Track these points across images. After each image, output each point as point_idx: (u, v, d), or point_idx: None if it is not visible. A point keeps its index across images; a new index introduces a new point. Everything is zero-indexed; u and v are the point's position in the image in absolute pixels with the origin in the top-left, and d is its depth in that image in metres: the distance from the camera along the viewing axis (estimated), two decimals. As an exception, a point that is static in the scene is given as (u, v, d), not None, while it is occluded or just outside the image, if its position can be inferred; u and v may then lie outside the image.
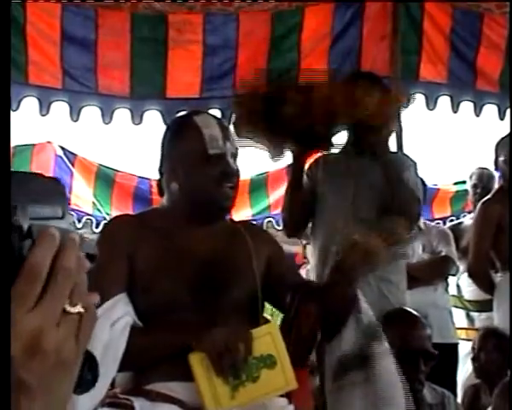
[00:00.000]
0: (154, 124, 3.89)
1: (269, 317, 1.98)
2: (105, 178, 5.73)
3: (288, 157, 2.68)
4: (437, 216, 6.74)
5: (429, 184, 6.72)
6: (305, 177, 2.93)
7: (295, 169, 2.78)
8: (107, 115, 3.83)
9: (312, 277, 2.89)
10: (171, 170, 1.92)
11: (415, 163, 2.92)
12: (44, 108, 3.73)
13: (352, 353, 1.87)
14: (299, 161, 2.70)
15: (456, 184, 6.56)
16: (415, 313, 2.41)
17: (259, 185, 6.20)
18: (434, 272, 3.76)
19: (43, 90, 3.70)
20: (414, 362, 2.22)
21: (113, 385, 1.82)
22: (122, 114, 3.88)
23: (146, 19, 3.71)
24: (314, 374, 2.20)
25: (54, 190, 0.66)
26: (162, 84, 3.80)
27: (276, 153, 2.54)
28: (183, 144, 1.90)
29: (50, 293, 0.58)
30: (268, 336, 1.74)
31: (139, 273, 1.82)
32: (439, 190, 6.78)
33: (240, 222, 2.11)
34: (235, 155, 1.91)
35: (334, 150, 2.79)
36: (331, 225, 2.74)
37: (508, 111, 4.07)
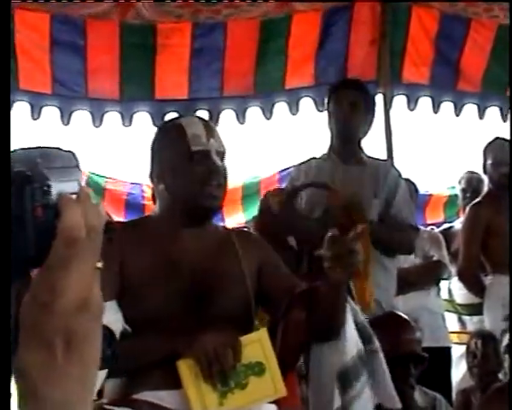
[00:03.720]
0: (144, 126, 3.93)
1: (258, 324, 1.97)
2: (95, 187, 5.72)
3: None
4: (430, 222, 6.75)
5: (421, 189, 6.76)
6: (288, 181, 2.95)
7: None
8: (97, 119, 3.85)
9: None
10: (159, 173, 1.91)
11: (399, 173, 2.94)
12: (36, 112, 3.75)
13: (356, 357, 1.86)
14: None
15: (449, 188, 6.56)
16: (405, 316, 2.41)
17: (252, 191, 6.19)
18: (427, 276, 3.77)
19: (34, 96, 3.72)
20: (404, 366, 2.21)
21: (100, 395, 1.81)
22: (112, 117, 3.90)
23: (135, 28, 3.72)
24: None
25: (72, 165, 0.66)
26: (151, 86, 3.82)
27: None
28: (168, 145, 1.90)
29: (88, 252, 0.62)
30: (257, 344, 1.74)
31: (129, 281, 1.81)
32: (431, 195, 6.79)
33: (230, 228, 2.10)
34: (221, 154, 1.89)
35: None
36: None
37: (487, 110, 4.11)
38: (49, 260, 0.60)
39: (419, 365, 2.26)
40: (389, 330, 2.30)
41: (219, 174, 1.86)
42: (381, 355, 1.92)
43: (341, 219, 2.44)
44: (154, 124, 3.86)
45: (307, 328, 1.82)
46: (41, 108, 3.75)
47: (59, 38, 3.67)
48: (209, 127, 1.92)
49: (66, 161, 0.66)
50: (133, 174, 5.77)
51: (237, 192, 6.08)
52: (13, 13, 3.52)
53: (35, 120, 3.77)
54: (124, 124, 3.90)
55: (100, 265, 0.64)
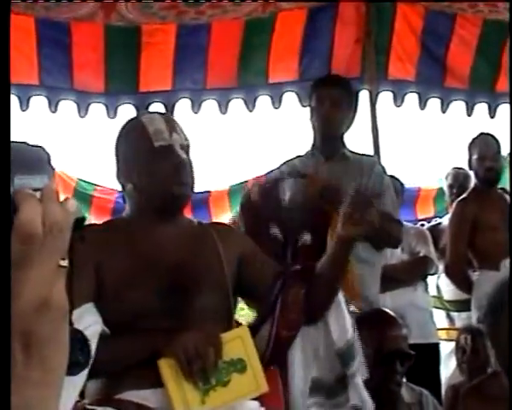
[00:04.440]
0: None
1: (240, 320, 1.96)
2: (83, 194, 5.71)
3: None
4: (420, 217, 6.75)
5: (410, 182, 6.76)
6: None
7: None
8: (82, 109, 3.87)
9: None
10: (126, 173, 1.91)
11: (384, 169, 2.94)
12: (24, 104, 3.76)
13: (351, 339, 1.89)
14: None
15: (438, 181, 6.55)
16: (391, 313, 2.41)
17: (239, 193, 6.19)
18: (414, 272, 3.77)
19: (22, 88, 3.72)
20: (390, 363, 2.21)
21: (82, 396, 1.80)
22: (97, 110, 3.92)
23: (119, 29, 3.72)
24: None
25: (40, 159, 0.65)
26: (135, 80, 3.84)
27: None
28: (131, 144, 1.90)
29: (48, 249, 0.60)
30: (238, 340, 1.73)
31: (106, 283, 1.80)
32: (420, 189, 6.79)
33: (207, 223, 2.09)
34: (185, 147, 1.89)
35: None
36: None
37: (475, 107, 4.12)
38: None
39: (405, 362, 2.25)
40: (375, 326, 2.29)
41: (185, 167, 1.86)
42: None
43: (319, 204, 2.46)
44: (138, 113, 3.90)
45: (307, 302, 1.83)
46: (29, 98, 3.77)
47: (45, 39, 3.68)
48: (170, 122, 1.91)
49: (33, 156, 0.65)
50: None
51: (225, 197, 6.09)
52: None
53: (24, 111, 3.78)
54: (109, 116, 3.91)
55: (64, 263, 0.62)
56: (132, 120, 1.98)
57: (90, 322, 1.71)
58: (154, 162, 1.83)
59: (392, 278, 3.43)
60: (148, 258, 1.82)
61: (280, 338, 1.82)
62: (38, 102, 3.84)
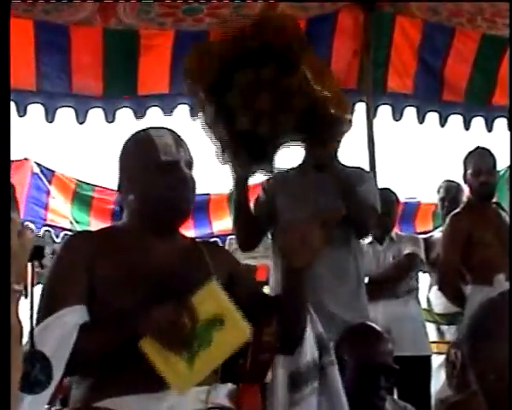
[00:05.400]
0: (126, 123, 3.96)
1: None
2: (83, 195, 5.72)
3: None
4: (419, 231, 6.76)
5: (410, 195, 6.76)
6: (261, 190, 2.95)
7: (240, 192, 2.80)
8: (81, 115, 3.88)
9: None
10: (128, 182, 1.93)
11: (373, 177, 2.95)
12: (21, 110, 3.78)
13: (311, 362, 1.88)
14: (242, 179, 2.72)
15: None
16: (377, 327, 2.40)
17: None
18: (401, 270, 3.78)
19: (19, 93, 3.73)
20: (375, 377, 2.20)
21: (66, 404, 1.80)
22: (95, 114, 3.95)
23: (117, 33, 3.74)
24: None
25: None
26: (133, 84, 3.86)
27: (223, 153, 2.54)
28: (138, 156, 1.92)
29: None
30: (210, 297, 1.71)
31: (96, 290, 1.81)
32: (419, 204, 6.80)
33: (198, 240, 2.11)
34: (189, 164, 1.92)
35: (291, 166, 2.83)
36: None
37: (472, 121, 4.12)
38: None
39: (390, 376, 2.25)
40: (361, 340, 2.29)
41: (188, 184, 1.89)
42: (336, 369, 1.93)
43: None
44: (137, 118, 3.91)
45: (277, 340, 1.82)
46: (26, 105, 3.79)
47: (43, 42, 3.70)
48: (177, 138, 1.94)
49: None
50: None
51: (224, 200, 6.09)
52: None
53: (21, 117, 3.80)
54: (107, 120, 3.92)
55: (18, 287, 0.63)
56: (140, 132, 1.99)
57: (76, 319, 1.71)
58: (159, 176, 1.86)
59: (381, 283, 3.45)
60: (140, 269, 1.83)
61: (258, 361, 1.81)
62: (36, 107, 3.86)
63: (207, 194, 6.26)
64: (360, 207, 2.75)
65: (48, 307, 1.75)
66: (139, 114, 3.93)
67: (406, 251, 3.82)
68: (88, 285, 1.81)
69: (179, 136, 1.97)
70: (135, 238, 1.88)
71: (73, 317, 1.73)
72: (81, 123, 3.92)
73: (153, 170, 1.86)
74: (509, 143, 3.43)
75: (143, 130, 2.00)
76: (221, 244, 6.38)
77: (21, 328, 0.65)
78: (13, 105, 3.75)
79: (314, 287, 2.69)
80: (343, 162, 2.99)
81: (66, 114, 3.92)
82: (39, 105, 3.83)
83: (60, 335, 1.68)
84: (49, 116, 3.84)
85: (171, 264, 1.86)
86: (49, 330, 1.69)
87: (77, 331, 1.70)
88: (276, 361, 1.87)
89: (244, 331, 1.69)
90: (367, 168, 3.63)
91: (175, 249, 1.90)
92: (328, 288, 2.75)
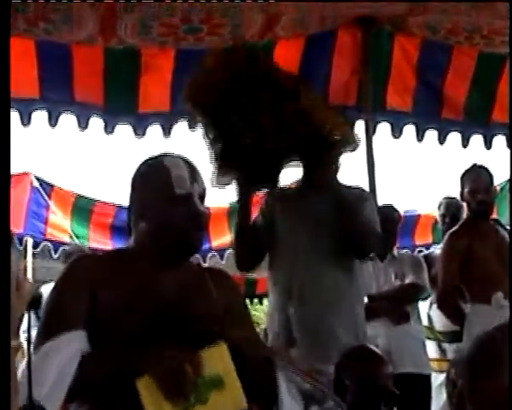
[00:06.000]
0: (126, 139, 3.99)
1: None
2: (82, 210, 5.73)
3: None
4: (419, 243, 6.78)
5: (410, 207, 6.78)
6: (259, 211, 2.97)
7: (242, 210, 2.81)
8: (82, 123, 3.90)
9: (275, 312, 2.88)
10: (140, 209, 1.94)
11: (372, 196, 2.96)
12: (25, 118, 3.80)
13: None
14: (245, 198, 2.74)
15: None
16: (376, 350, 2.41)
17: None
18: (403, 297, 3.80)
19: (22, 102, 3.76)
20: (374, 401, 2.21)
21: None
22: (96, 125, 3.97)
23: (119, 52, 3.76)
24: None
25: None
26: (134, 101, 3.88)
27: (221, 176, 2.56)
28: (152, 184, 1.93)
29: None
30: (217, 357, 1.72)
31: (100, 314, 1.82)
32: (419, 216, 6.81)
33: (203, 267, 2.13)
34: (202, 196, 1.94)
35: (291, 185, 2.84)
36: (290, 261, 2.77)
37: (471, 138, 4.15)
38: None
39: (390, 401, 2.25)
40: (360, 364, 2.30)
41: (200, 217, 1.91)
42: None
43: None
44: (137, 136, 3.93)
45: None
46: (30, 113, 3.81)
47: (45, 61, 3.72)
48: (192, 169, 1.95)
49: None
50: (121, 197, 5.81)
51: (224, 214, 6.11)
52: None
53: (25, 126, 3.82)
54: (106, 131, 3.95)
55: (14, 343, 0.65)
56: (156, 158, 1.99)
57: (77, 346, 1.72)
58: (172, 209, 1.87)
59: (379, 308, 3.46)
60: (143, 298, 1.83)
61: None
62: (39, 117, 3.89)
63: (206, 207, 6.27)
64: (360, 231, 2.76)
65: (48, 331, 1.74)
66: (139, 131, 3.95)
67: (410, 276, 3.82)
68: (89, 311, 1.81)
69: (194, 166, 1.97)
70: (141, 266, 1.88)
71: (74, 344, 1.73)
72: (83, 129, 3.94)
73: (166, 202, 1.88)
74: (509, 159, 3.46)
75: (159, 156, 2.00)
76: (219, 258, 6.41)
77: (17, 383, 0.66)
78: (16, 115, 3.79)
79: (313, 308, 2.70)
80: (343, 181, 3.00)
81: (67, 124, 3.96)
82: (43, 111, 3.85)
83: (61, 363, 1.68)
84: (53, 121, 3.86)
85: (174, 293, 1.86)
86: (50, 357, 1.69)
87: (78, 360, 1.70)
88: None
89: (241, 402, 1.69)
90: (366, 185, 3.65)
91: (180, 278, 1.90)
92: (327, 309, 2.75)
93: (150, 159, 2.00)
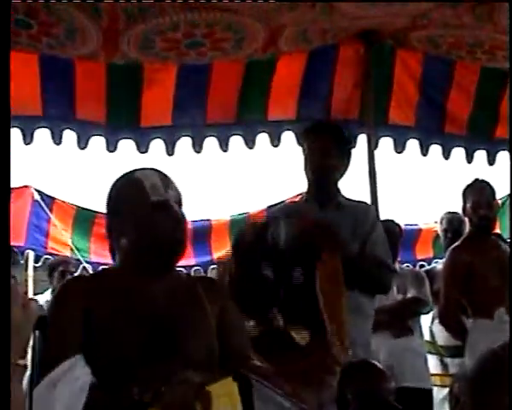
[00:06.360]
0: (128, 154, 4.00)
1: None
2: (83, 222, 5.72)
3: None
4: (420, 257, 6.77)
5: (411, 223, 6.77)
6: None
7: None
8: (83, 141, 3.91)
9: None
10: (119, 226, 1.93)
11: (377, 214, 2.96)
12: (28, 137, 3.81)
13: None
14: None
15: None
16: (378, 365, 2.41)
17: (240, 225, 6.24)
18: (405, 311, 3.79)
19: (25, 120, 3.78)
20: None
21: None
22: (97, 143, 3.98)
23: (121, 67, 3.78)
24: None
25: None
26: (136, 116, 3.89)
27: None
28: (126, 198, 1.92)
29: None
30: (226, 395, 1.72)
31: (94, 333, 1.82)
32: (420, 230, 6.81)
33: (193, 276, 2.12)
34: (179, 201, 1.94)
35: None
36: None
37: (475, 154, 4.15)
38: None
39: (392, 415, 2.24)
40: (362, 379, 2.29)
41: (180, 222, 1.90)
42: None
43: (310, 241, 2.47)
44: (139, 150, 3.92)
45: None
46: (33, 131, 3.82)
47: (48, 75, 3.74)
48: (164, 177, 1.95)
49: None
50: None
51: (225, 227, 6.11)
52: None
53: (27, 144, 3.84)
54: (108, 149, 3.94)
55: (22, 362, 0.66)
56: (125, 175, 2.00)
57: (80, 374, 1.72)
58: (150, 217, 1.86)
59: (381, 322, 3.45)
60: (136, 313, 1.83)
61: None
62: (42, 135, 3.91)
63: (208, 220, 6.28)
64: (375, 271, 2.76)
65: (50, 359, 1.75)
66: (142, 147, 3.94)
67: (412, 290, 3.82)
68: (84, 331, 1.81)
69: (166, 175, 1.97)
70: (130, 282, 1.88)
71: (77, 371, 1.72)
72: (82, 148, 3.95)
73: (143, 211, 1.87)
74: (509, 172, 3.46)
75: (129, 173, 2.00)
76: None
77: (23, 403, 0.67)
78: (19, 132, 3.80)
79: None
80: (346, 195, 2.99)
81: (68, 141, 3.97)
82: (45, 129, 3.86)
83: (71, 392, 1.69)
84: (56, 138, 3.87)
85: (166, 306, 1.87)
86: (59, 386, 1.69)
87: (85, 393, 1.70)
88: None
89: None
90: (368, 199, 3.66)
91: (170, 289, 1.90)
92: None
93: (120, 177, 2.00)
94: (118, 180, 1.99)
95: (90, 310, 1.82)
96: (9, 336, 0.53)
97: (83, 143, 3.93)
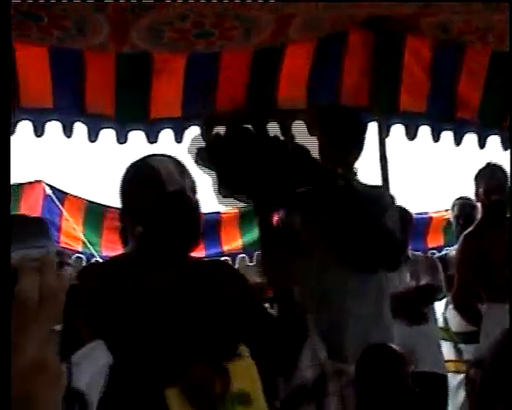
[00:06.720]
0: (139, 146, 3.99)
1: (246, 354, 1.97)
2: (94, 216, 5.74)
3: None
4: (431, 246, 6.75)
5: (421, 210, 6.76)
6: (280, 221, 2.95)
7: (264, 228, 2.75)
8: (93, 134, 3.91)
9: None
10: (135, 214, 1.93)
11: (393, 197, 2.94)
12: (39, 129, 3.81)
13: (302, 386, 1.89)
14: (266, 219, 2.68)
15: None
16: (396, 348, 2.41)
17: (249, 216, 6.24)
18: (420, 298, 3.78)
19: (36, 112, 3.78)
20: (395, 399, 2.21)
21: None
22: (107, 135, 3.98)
23: (131, 57, 3.78)
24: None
25: (38, 231, 0.69)
26: (146, 107, 3.88)
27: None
28: (143, 186, 1.93)
29: (44, 315, 0.64)
30: (245, 373, 1.74)
31: (111, 320, 1.83)
32: (430, 219, 6.79)
33: (206, 260, 2.13)
34: (193, 189, 1.94)
35: None
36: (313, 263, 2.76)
37: (487, 140, 4.12)
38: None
39: (409, 399, 2.25)
40: (380, 362, 2.29)
41: (196, 212, 1.93)
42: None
43: None
44: (150, 142, 3.92)
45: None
46: (44, 123, 3.82)
47: (57, 67, 3.74)
48: (180, 165, 1.96)
49: (33, 228, 0.69)
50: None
51: (235, 219, 6.11)
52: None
53: (39, 136, 3.84)
54: (119, 141, 3.94)
55: (58, 328, 0.66)
56: (141, 161, 2.00)
57: (100, 356, 1.74)
58: (167, 207, 1.88)
59: (395, 309, 3.45)
60: (152, 297, 1.84)
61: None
62: (53, 128, 3.92)
63: (217, 212, 6.28)
64: (383, 242, 2.75)
65: (68, 342, 1.76)
66: (151, 137, 3.95)
67: (426, 277, 3.81)
68: (101, 319, 1.82)
69: (181, 161, 1.98)
70: (143, 269, 1.89)
71: (99, 353, 1.74)
72: (93, 141, 3.95)
73: (160, 201, 1.89)
74: (509, 159, 3.44)
75: (144, 159, 2.01)
76: (231, 262, 6.41)
77: (61, 369, 0.67)
78: (30, 125, 3.80)
79: (334, 309, 2.69)
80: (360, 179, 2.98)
81: (78, 135, 3.98)
82: (56, 122, 3.86)
83: (92, 373, 1.70)
84: (67, 131, 3.87)
85: (181, 291, 1.88)
86: (80, 367, 1.71)
87: (107, 370, 1.72)
88: None
89: None
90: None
91: (184, 275, 1.91)
92: (349, 310, 2.73)
93: (135, 163, 2.00)
94: (132, 166, 2.00)
95: (107, 295, 1.83)
96: (10, 336, 0.54)
97: (93, 136, 3.94)
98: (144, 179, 1.93)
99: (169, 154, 2.01)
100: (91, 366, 1.71)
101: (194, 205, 1.92)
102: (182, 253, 1.93)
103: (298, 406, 1.88)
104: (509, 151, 4.05)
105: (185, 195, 1.90)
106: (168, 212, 1.87)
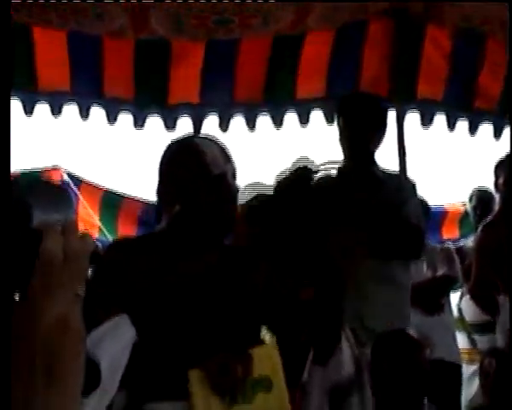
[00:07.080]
0: (156, 132, 4.01)
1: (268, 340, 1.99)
2: (110, 204, 5.77)
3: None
4: (446, 238, 6.72)
5: (437, 203, 6.73)
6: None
7: None
8: (111, 118, 3.92)
9: None
10: (175, 192, 1.94)
11: (414, 185, 2.93)
12: (56, 110, 3.84)
13: (350, 376, 1.89)
14: None
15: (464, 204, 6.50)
16: (412, 334, 2.40)
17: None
18: (437, 289, 3.78)
19: (53, 94, 3.81)
20: (411, 384, 2.20)
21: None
22: (125, 120, 3.99)
23: (149, 43, 3.78)
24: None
25: (63, 197, 0.72)
26: (164, 93, 3.89)
27: None
28: (187, 166, 1.93)
29: (67, 276, 0.65)
30: (267, 359, 1.75)
31: (136, 298, 1.84)
32: (446, 211, 6.76)
33: (236, 247, 2.14)
34: (234, 175, 1.96)
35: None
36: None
37: (504, 130, 4.09)
38: (31, 283, 0.63)
39: (425, 384, 2.24)
40: (397, 347, 2.29)
41: (235, 198, 1.95)
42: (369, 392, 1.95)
43: None
44: (167, 129, 3.93)
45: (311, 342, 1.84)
46: (61, 105, 3.84)
47: (76, 52, 3.76)
48: (223, 149, 1.96)
49: (57, 194, 0.71)
50: (149, 192, 5.83)
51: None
52: (31, 29, 3.60)
53: (56, 116, 3.85)
54: (136, 125, 3.95)
55: (81, 292, 0.66)
56: (186, 140, 2.00)
57: (125, 331, 1.75)
58: (210, 189, 1.89)
59: (412, 298, 3.44)
60: (178, 277, 1.85)
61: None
62: (70, 111, 3.94)
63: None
64: (405, 232, 2.73)
65: (94, 316, 1.77)
66: (169, 124, 3.95)
67: (443, 267, 3.80)
68: (126, 296, 1.83)
69: (224, 146, 1.99)
70: (176, 248, 1.90)
71: (123, 328, 1.75)
72: (112, 124, 3.97)
73: (203, 183, 1.90)
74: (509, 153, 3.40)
75: (186, 139, 2.01)
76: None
77: (84, 332, 0.68)
78: (47, 107, 3.83)
79: (354, 297, 2.68)
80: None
81: (96, 119, 3.99)
82: (73, 105, 3.88)
83: (116, 348, 1.71)
84: (83, 113, 3.89)
85: (209, 274, 1.88)
86: (105, 342, 1.72)
87: (129, 349, 1.73)
88: (313, 378, 1.88)
89: (286, 406, 1.72)
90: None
91: (214, 258, 1.92)
92: (367, 297, 2.72)
93: (179, 141, 2.00)
94: (178, 144, 2.00)
95: (137, 270, 1.84)
96: (9, 335, 0.54)
97: (112, 119, 3.95)
98: (188, 160, 1.94)
99: (213, 137, 2.01)
100: (115, 342, 1.72)
101: (234, 191, 1.94)
102: (217, 237, 1.94)
103: (345, 398, 1.89)
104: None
105: (227, 180, 1.91)
106: (209, 194, 1.89)
